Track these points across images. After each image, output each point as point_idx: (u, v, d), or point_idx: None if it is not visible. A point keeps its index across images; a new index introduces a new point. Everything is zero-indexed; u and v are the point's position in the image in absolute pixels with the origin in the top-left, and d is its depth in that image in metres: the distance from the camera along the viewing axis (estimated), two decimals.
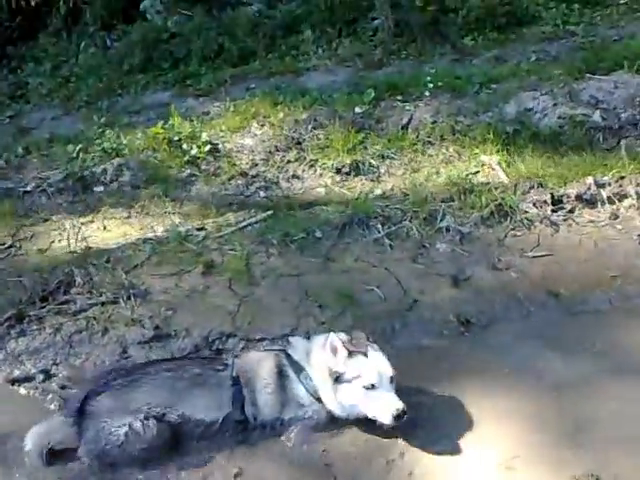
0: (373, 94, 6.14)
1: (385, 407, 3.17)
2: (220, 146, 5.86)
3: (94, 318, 4.10)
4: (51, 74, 7.74)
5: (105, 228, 5.08)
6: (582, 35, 6.87)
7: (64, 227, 5.04)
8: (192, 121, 6.08)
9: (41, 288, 4.28)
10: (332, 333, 3.34)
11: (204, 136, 5.85)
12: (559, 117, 5.51)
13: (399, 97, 6.13)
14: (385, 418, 3.16)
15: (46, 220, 5.22)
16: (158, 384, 3.33)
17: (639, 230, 4.50)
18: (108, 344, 3.98)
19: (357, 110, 6.01)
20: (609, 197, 4.72)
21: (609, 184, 4.77)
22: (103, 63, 7.76)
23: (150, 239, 4.79)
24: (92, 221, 5.16)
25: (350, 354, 3.26)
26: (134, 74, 7.54)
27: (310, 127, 5.92)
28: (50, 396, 3.73)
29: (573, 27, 7.12)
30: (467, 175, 5.22)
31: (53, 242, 4.91)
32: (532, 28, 7.30)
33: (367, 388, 3.19)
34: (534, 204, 4.73)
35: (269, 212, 5.07)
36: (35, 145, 6.10)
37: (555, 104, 5.59)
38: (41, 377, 3.83)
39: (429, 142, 5.70)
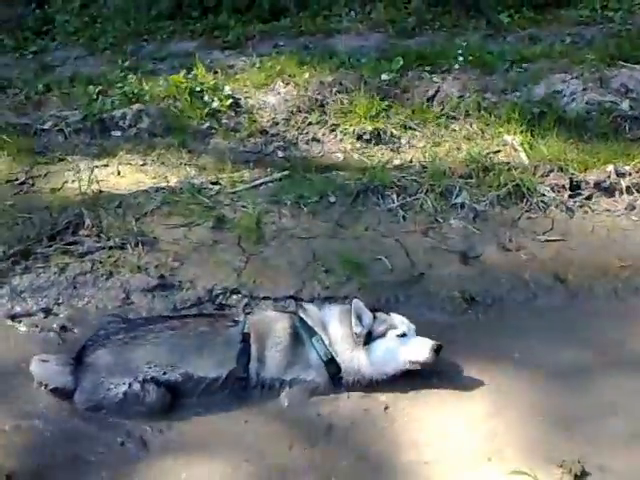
0: (401, 62, 6.04)
1: (422, 346, 3.35)
2: (242, 101, 5.80)
3: (100, 262, 4.11)
4: (79, 13, 7.62)
5: (119, 173, 5.05)
6: (619, 22, 6.71)
7: (78, 168, 5.01)
8: (216, 73, 6.01)
9: (50, 227, 4.29)
10: (355, 300, 3.43)
11: (227, 89, 5.80)
12: (587, 102, 5.41)
13: (427, 68, 6.04)
14: (425, 354, 3.33)
15: (61, 160, 5.19)
16: (160, 343, 3.33)
17: None
18: (112, 289, 3.99)
19: (384, 77, 5.92)
20: (628, 187, 4.65)
21: (629, 174, 4.70)
22: (131, 7, 7.60)
23: (163, 188, 4.77)
24: (107, 165, 5.13)
25: (375, 315, 3.39)
26: (162, 20, 7.42)
27: (335, 90, 5.83)
28: (50, 334, 3.75)
29: (611, 13, 6.94)
30: (488, 153, 5.15)
31: (66, 182, 4.89)
32: (569, 11, 7.11)
33: (400, 336, 3.36)
34: (552, 188, 4.67)
35: (285, 172, 5.03)
36: (56, 83, 6.06)
37: (584, 89, 5.49)
38: (42, 315, 3.86)
39: (453, 117, 5.61)
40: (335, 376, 3.39)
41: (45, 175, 5.01)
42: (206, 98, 5.71)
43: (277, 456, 3.09)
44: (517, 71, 5.86)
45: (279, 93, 5.88)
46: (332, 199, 4.74)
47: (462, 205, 4.65)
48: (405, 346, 3.36)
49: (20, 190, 4.86)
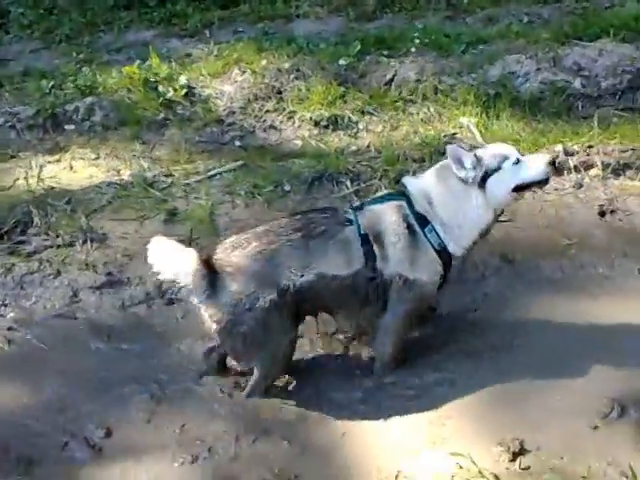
0: (359, 47, 6.00)
1: (538, 163, 3.28)
2: (198, 90, 5.74)
3: (48, 260, 4.07)
4: (34, 5, 7.49)
5: (72, 168, 4.99)
6: (575, 0, 6.66)
7: (30, 165, 4.95)
8: (171, 62, 5.95)
9: None
10: (449, 146, 3.30)
11: (182, 79, 5.72)
12: (540, 82, 5.39)
13: (385, 52, 6.00)
14: (544, 168, 3.27)
15: (13, 157, 5.13)
16: (294, 246, 3.20)
17: (600, 200, 4.45)
18: (59, 287, 3.95)
19: (341, 62, 5.87)
20: (575, 166, 4.65)
21: (577, 153, 4.70)
22: None
23: (115, 183, 4.72)
24: (59, 160, 5.07)
25: (475, 154, 3.24)
26: (119, 11, 7.34)
27: (292, 77, 5.78)
28: None
29: None
30: (445, 136, 5.13)
31: (17, 179, 4.83)
32: None
33: (515, 163, 3.24)
34: None
35: (239, 162, 5.00)
36: (9, 78, 5.98)
37: (538, 69, 5.47)
38: None
39: (411, 100, 5.58)
40: (447, 263, 3.30)
41: None
42: (161, 88, 5.64)
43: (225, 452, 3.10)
44: (473, 53, 5.83)
45: (236, 81, 5.82)
46: (287, 188, 4.72)
47: None
48: (522, 169, 3.24)
49: None
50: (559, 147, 4.71)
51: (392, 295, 3.29)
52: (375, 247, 3.23)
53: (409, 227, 3.24)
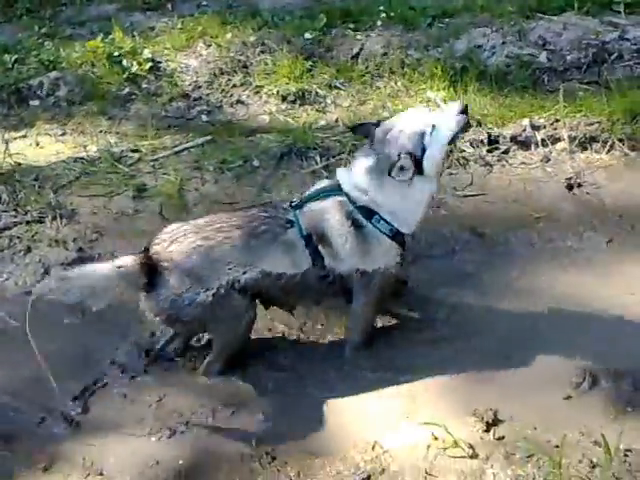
0: (325, 20, 5.95)
1: (451, 119, 3.24)
2: (163, 65, 5.67)
3: (17, 237, 4.05)
4: None
5: (38, 144, 4.94)
6: None
7: None
8: (134, 36, 5.86)
9: None
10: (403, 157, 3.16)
11: (146, 53, 5.65)
12: (507, 56, 5.41)
13: (351, 25, 5.96)
14: (458, 120, 3.24)
15: None
16: (233, 243, 3.17)
17: (567, 174, 4.52)
18: (30, 264, 3.93)
19: (307, 36, 5.84)
20: (543, 140, 4.70)
21: (544, 127, 4.75)
22: None
23: (82, 158, 4.69)
24: (25, 136, 5.01)
25: (409, 153, 3.16)
26: None
27: (258, 51, 5.75)
28: None
29: None
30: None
31: None
32: None
33: (432, 132, 3.18)
34: (471, 143, 4.71)
35: (207, 137, 4.98)
36: None
37: (504, 42, 5.49)
38: None
39: (378, 75, 5.58)
40: (402, 243, 3.28)
41: None
42: (125, 63, 5.55)
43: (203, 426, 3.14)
44: (439, 26, 5.83)
45: (201, 55, 5.77)
46: (256, 163, 4.73)
47: None
48: (443, 133, 3.20)
49: None
50: (526, 121, 4.76)
51: (355, 287, 3.31)
52: (321, 247, 3.21)
53: (354, 222, 3.21)
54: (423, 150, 3.17)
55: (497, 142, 4.74)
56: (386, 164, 3.19)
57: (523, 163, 4.63)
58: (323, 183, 3.46)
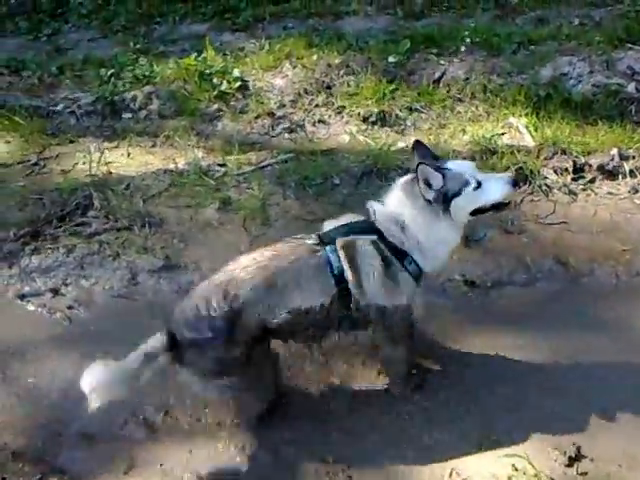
0: (409, 45, 6.05)
1: (499, 185, 3.16)
2: (250, 84, 5.84)
3: (107, 243, 4.22)
4: None
5: (129, 155, 5.15)
6: (628, 3, 6.65)
7: (89, 150, 5.11)
8: (225, 55, 6.07)
9: (59, 208, 4.40)
10: (419, 165, 3.07)
11: (235, 72, 5.85)
12: (593, 85, 5.38)
13: (434, 50, 6.04)
14: (506, 191, 3.16)
15: (72, 141, 5.30)
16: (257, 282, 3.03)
17: None
18: (118, 269, 4.10)
19: (390, 60, 5.93)
20: (631, 170, 4.64)
21: (633, 157, 4.69)
22: None
23: (171, 170, 4.86)
24: (117, 147, 5.22)
25: (444, 175, 3.08)
26: (174, 3, 7.49)
27: (342, 72, 5.86)
28: (57, 315, 3.85)
29: None
30: (492, 136, 5.15)
31: (77, 164, 5.00)
32: None
33: (475, 188, 3.11)
34: (555, 171, 4.67)
35: (290, 154, 5.10)
36: (69, 65, 6.15)
37: (591, 71, 5.46)
38: (50, 295, 3.95)
39: (459, 99, 5.61)
40: (418, 280, 3.21)
41: (56, 157, 5.12)
42: (215, 80, 5.76)
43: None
44: (524, 53, 5.84)
45: (287, 75, 5.92)
46: (336, 181, 4.81)
47: None
48: (483, 193, 3.11)
49: (31, 171, 4.97)
50: (614, 151, 4.70)
51: (376, 327, 3.26)
52: (350, 286, 3.12)
53: (384, 260, 3.15)
54: (458, 193, 3.10)
55: (582, 170, 4.70)
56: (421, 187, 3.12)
57: (610, 193, 4.57)
58: (349, 217, 3.34)
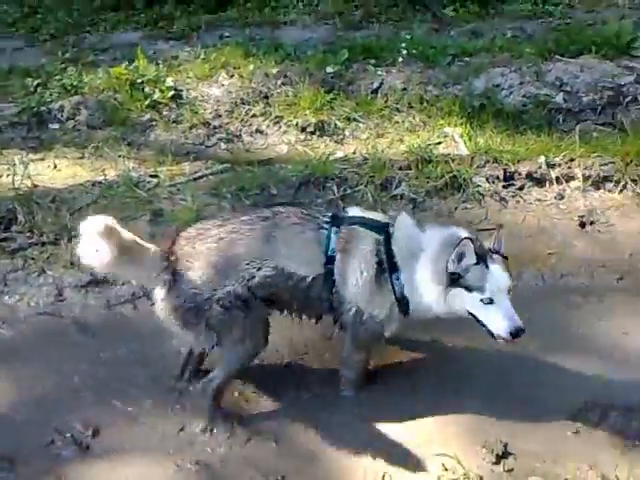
0: (347, 55, 6.07)
1: (502, 322, 3.01)
2: (184, 93, 5.74)
3: (32, 258, 4.06)
4: (19, 2, 7.48)
5: (56, 167, 4.98)
6: (559, 16, 6.88)
7: (13, 162, 4.90)
8: (158, 64, 5.94)
9: None
10: (465, 239, 3.00)
11: (169, 81, 5.73)
12: (524, 96, 5.50)
13: (372, 61, 6.08)
14: (503, 333, 3.01)
15: None
16: (255, 236, 3.12)
17: (581, 211, 4.58)
18: (44, 285, 3.94)
19: (329, 70, 5.93)
20: (557, 177, 4.76)
21: (559, 165, 4.80)
22: None
23: (100, 182, 4.71)
24: (43, 159, 5.05)
25: (476, 263, 3.00)
26: (105, 12, 7.35)
27: (279, 82, 5.82)
28: None
29: (552, 8, 7.10)
30: (429, 145, 5.17)
31: (1, 176, 4.80)
32: (512, 5, 7.27)
33: (485, 303, 3.02)
34: (487, 179, 4.75)
35: (226, 165, 5.01)
36: None
37: (522, 82, 5.57)
38: None
39: (397, 109, 5.64)
40: (402, 313, 3.19)
41: None
42: (147, 90, 5.63)
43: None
44: (459, 65, 5.93)
45: (223, 85, 5.84)
46: (274, 191, 4.74)
47: (401, 196, 4.69)
48: (486, 312, 3.02)
49: None
50: (541, 159, 4.81)
51: (347, 323, 3.24)
52: (338, 270, 3.14)
53: (379, 264, 3.15)
54: (466, 287, 3.02)
55: (513, 178, 4.78)
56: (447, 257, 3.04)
57: (538, 200, 4.68)
58: (378, 215, 3.36)
